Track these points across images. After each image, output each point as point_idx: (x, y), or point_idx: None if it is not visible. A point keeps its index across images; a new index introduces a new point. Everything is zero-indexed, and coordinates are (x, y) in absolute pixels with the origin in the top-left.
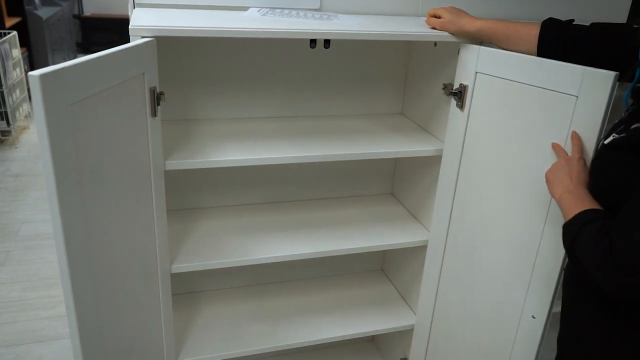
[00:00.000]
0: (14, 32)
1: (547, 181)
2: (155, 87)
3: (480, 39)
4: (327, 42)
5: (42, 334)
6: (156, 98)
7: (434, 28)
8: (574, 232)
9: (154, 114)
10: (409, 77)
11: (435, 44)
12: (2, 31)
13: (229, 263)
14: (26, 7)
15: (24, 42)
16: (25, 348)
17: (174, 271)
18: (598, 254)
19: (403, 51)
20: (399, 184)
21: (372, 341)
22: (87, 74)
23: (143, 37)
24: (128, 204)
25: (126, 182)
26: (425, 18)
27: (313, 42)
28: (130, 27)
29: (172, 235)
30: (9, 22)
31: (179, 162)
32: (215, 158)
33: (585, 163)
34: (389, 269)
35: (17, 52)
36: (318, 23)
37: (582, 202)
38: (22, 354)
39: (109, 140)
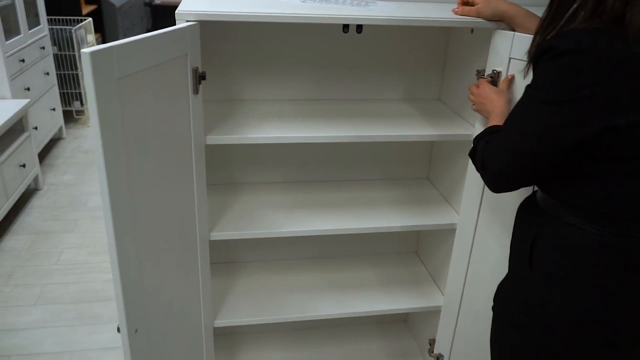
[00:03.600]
0: (89, 19)
1: (476, 102)
2: (197, 67)
3: (510, 24)
4: (359, 27)
5: (101, 294)
6: (198, 77)
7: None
8: (476, 142)
9: (195, 91)
10: (447, 63)
11: (472, 30)
12: (79, 18)
13: (265, 234)
14: None
15: (99, 28)
16: (88, 306)
17: (212, 238)
18: (478, 158)
19: (441, 38)
20: (435, 168)
21: (405, 322)
22: (133, 52)
23: (188, 21)
24: (170, 173)
25: (168, 153)
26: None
27: (346, 27)
28: (176, 12)
29: (213, 207)
30: (86, 9)
31: (219, 138)
32: (253, 135)
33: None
34: (422, 252)
35: (91, 38)
36: (356, 9)
37: (496, 119)
38: (85, 311)
39: (153, 113)
